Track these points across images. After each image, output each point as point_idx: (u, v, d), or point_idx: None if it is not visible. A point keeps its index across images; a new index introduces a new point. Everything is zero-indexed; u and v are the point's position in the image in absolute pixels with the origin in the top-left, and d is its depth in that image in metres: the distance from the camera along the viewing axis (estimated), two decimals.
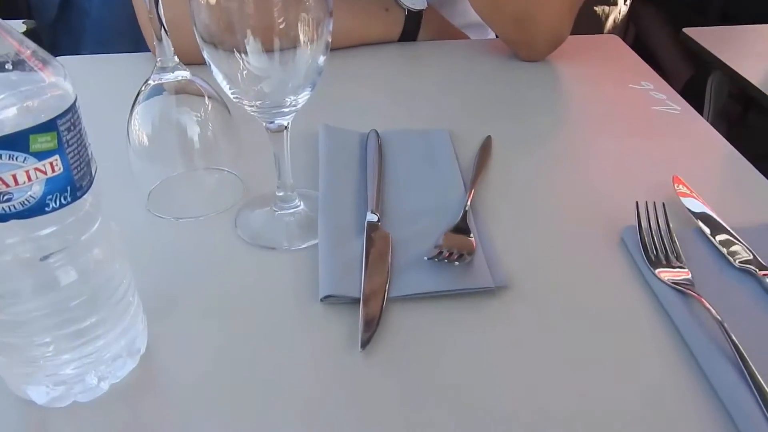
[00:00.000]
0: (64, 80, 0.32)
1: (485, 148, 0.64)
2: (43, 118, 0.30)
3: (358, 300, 0.45)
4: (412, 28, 0.86)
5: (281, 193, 0.54)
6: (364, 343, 0.42)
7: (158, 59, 0.52)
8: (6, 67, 0.29)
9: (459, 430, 0.38)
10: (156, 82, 0.52)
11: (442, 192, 0.57)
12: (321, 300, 0.46)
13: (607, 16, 1.83)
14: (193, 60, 0.52)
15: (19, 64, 0.30)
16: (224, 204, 0.56)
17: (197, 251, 0.52)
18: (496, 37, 0.88)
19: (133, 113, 0.54)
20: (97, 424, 0.38)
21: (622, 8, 1.87)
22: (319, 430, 0.38)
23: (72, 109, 0.32)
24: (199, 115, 0.55)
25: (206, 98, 0.55)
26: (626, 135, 0.67)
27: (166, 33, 0.51)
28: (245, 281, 0.49)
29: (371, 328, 0.43)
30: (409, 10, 0.85)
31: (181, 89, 0.54)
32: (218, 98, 0.56)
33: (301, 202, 0.55)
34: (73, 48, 1.09)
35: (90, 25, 1.12)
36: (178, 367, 0.42)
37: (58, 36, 1.14)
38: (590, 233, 0.53)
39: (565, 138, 0.68)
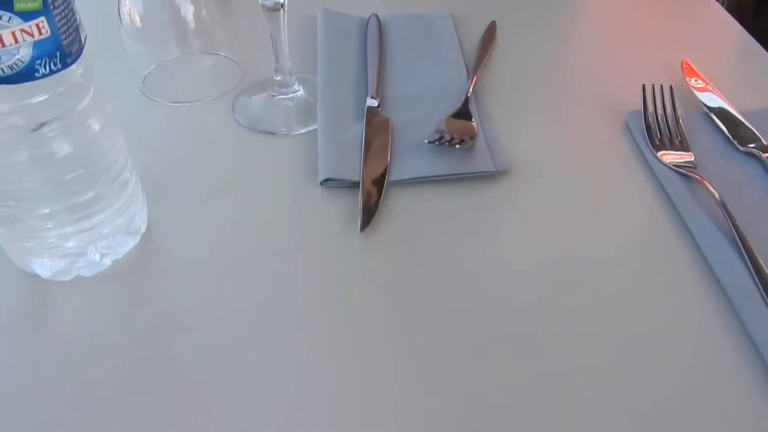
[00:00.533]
0: None
1: (489, 33, 0.61)
2: None
3: (358, 183, 0.45)
4: None
5: (279, 78, 0.53)
6: (363, 226, 0.42)
7: None
8: None
9: (457, 314, 0.38)
10: None
11: (444, 77, 0.56)
12: (320, 183, 0.46)
13: None
14: None
15: None
16: (221, 89, 0.55)
17: (195, 136, 0.51)
18: None
19: None
20: (101, 297, 0.39)
21: None
22: (317, 312, 0.38)
23: None
24: None
25: None
26: (635, 16, 0.65)
27: None
28: (244, 166, 0.48)
29: (370, 211, 0.43)
30: None
31: None
32: None
33: (300, 87, 0.54)
34: None
35: None
36: (178, 247, 0.42)
37: None
38: (594, 117, 0.52)
39: (571, 20, 0.66)
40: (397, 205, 0.45)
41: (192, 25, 0.53)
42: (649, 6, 0.67)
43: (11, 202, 0.35)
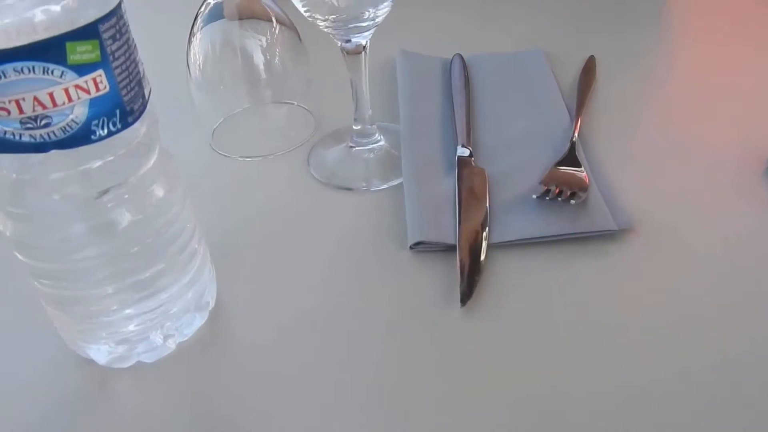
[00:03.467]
0: None
1: (588, 69, 0.55)
2: (83, 22, 0.25)
3: (454, 247, 0.39)
4: None
5: (359, 127, 0.48)
6: (464, 298, 0.36)
7: None
8: None
9: (580, 400, 0.31)
10: (216, 1, 0.46)
11: (543, 120, 0.49)
12: (410, 247, 0.40)
13: None
14: None
15: None
16: (295, 141, 0.50)
17: (267, 194, 0.46)
18: None
19: (192, 41, 0.48)
20: (164, 386, 0.34)
21: None
22: (413, 401, 0.32)
23: (116, 12, 0.26)
24: (265, 40, 0.49)
25: (273, 21, 0.48)
26: (762, 46, 0.57)
27: None
28: (321, 227, 0.43)
29: (471, 280, 0.37)
30: None
31: (245, 12, 0.48)
32: (287, 21, 0.49)
33: (382, 137, 0.48)
34: None
35: None
36: (251, 323, 0.37)
37: None
38: (726, 164, 0.44)
39: (684, 52, 0.58)
40: (501, 271, 0.38)
41: (264, 74, 0.49)
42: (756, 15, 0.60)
43: (65, 283, 0.31)
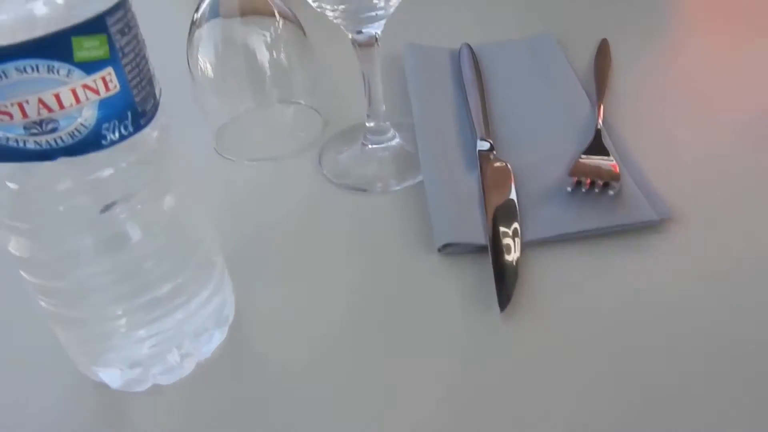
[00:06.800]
0: None
1: (603, 52, 0.53)
2: (88, 15, 0.22)
3: (485, 248, 0.37)
4: None
5: (372, 124, 0.45)
6: (504, 303, 0.34)
7: None
8: None
9: (635, 406, 0.29)
10: None
11: (564, 108, 0.47)
12: (438, 250, 0.37)
13: None
14: None
15: None
16: (304, 141, 0.48)
17: (279, 198, 0.44)
18: None
19: (192, 39, 0.45)
20: (183, 410, 0.31)
21: None
22: (461, 419, 0.30)
23: (124, 4, 0.24)
24: (269, 36, 0.46)
25: (276, 15, 0.46)
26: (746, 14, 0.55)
27: None
28: (340, 232, 0.40)
29: (509, 283, 0.34)
30: None
31: (247, 7, 0.45)
32: (291, 15, 0.46)
33: (396, 134, 0.46)
34: None
35: None
36: (274, 337, 0.34)
37: None
38: (763, 141, 0.42)
39: (699, 36, 0.56)
40: (538, 271, 0.36)
41: (269, 72, 0.47)
42: None
43: (72, 302, 0.28)
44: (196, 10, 0.45)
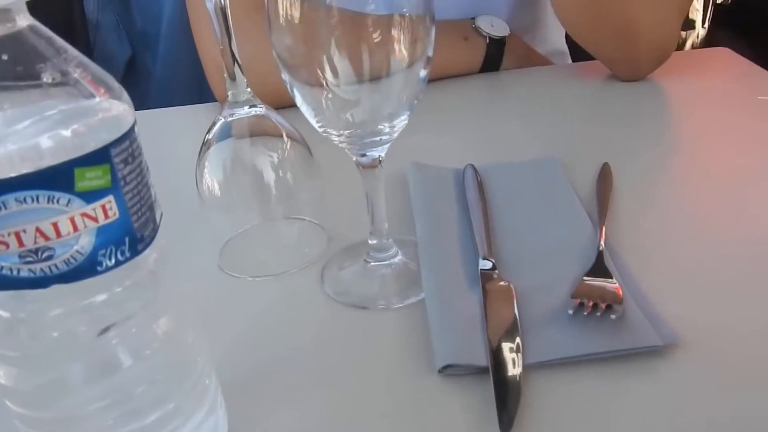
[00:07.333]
0: (120, 100, 0.25)
1: (605, 175, 0.54)
2: (93, 146, 0.23)
3: (486, 369, 0.36)
4: (494, 57, 0.78)
5: (374, 241, 0.46)
6: (506, 427, 0.32)
7: (229, 93, 0.45)
8: (44, 79, 0.22)
9: None
10: (227, 119, 0.45)
11: (566, 230, 0.47)
12: (438, 371, 0.37)
13: (684, 41, 1.72)
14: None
15: (62, 80, 0.23)
16: (307, 258, 0.48)
17: (279, 315, 0.44)
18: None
19: (202, 158, 0.47)
20: None
21: (699, 32, 1.76)
22: None
23: (130, 135, 0.25)
24: (276, 156, 0.48)
25: (284, 137, 0.47)
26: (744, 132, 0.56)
27: (240, 68, 0.44)
28: (339, 350, 0.40)
29: (512, 404, 0.33)
30: (490, 38, 0.77)
31: (256, 129, 0.47)
32: (298, 136, 0.48)
33: (399, 250, 0.46)
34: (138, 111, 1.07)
35: (154, 86, 1.10)
36: None
37: None
38: (765, 260, 0.42)
39: (698, 160, 0.57)
40: (540, 394, 0.35)
41: (275, 190, 0.48)
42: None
43: (61, 430, 0.27)
44: (208, 131, 0.47)
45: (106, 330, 0.26)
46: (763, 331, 0.37)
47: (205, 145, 0.47)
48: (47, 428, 0.27)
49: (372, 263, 0.46)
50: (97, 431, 0.27)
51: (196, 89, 0.93)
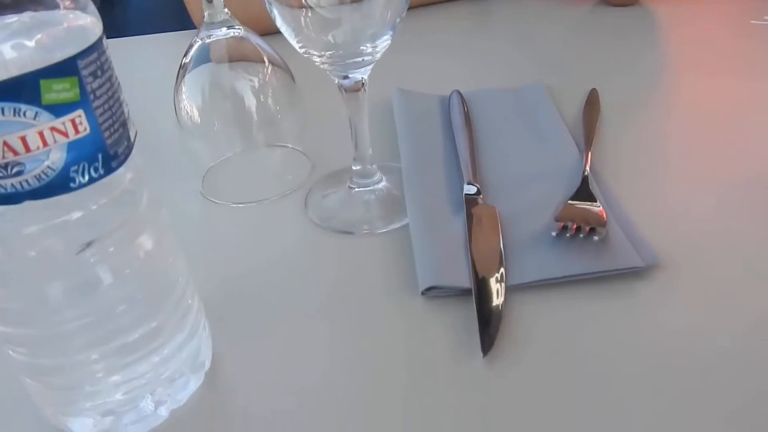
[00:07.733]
0: (85, 11, 0.24)
1: (592, 102, 0.53)
2: (59, 57, 0.22)
3: (469, 291, 0.36)
4: None
5: (358, 167, 0.45)
6: (487, 347, 0.33)
7: (206, 13, 0.43)
8: None
9: None
10: (204, 41, 0.44)
11: (552, 155, 0.47)
12: (422, 293, 0.37)
13: None
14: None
15: None
16: (290, 184, 0.47)
17: (263, 241, 0.43)
18: None
19: (180, 84, 0.46)
20: None
21: None
22: None
23: (98, 47, 0.24)
24: (257, 81, 0.46)
25: (265, 61, 0.46)
26: (758, 77, 0.56)
27: None
28: (324, 274, 0.40)
29: (492, 327, 0.34)
30: None
31: (235, 53, 0.46)
32: (280, 61, 0.47)
33: (383, 177, 0.46)
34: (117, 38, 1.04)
35: (133, 15, 1.06)
36: (252, 384, 0.33)
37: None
38: (750, 190, 0.42)
39: (687, 87, 0.57)
40: (522, 315, 0.35)
41: (256, 116, 0.47)
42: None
43: (43, 350, 0.28)
44: (185, 55, 0.45)
45: (84, 248, 0.25)
46: (740, 253, 0.38)
47: (183, 68, 0.45)
48: (31, 345, 0.27)
49: (356, 189, 0.46)
50: (80, 348, 0.27)
51: (177, 18, 0.91)
